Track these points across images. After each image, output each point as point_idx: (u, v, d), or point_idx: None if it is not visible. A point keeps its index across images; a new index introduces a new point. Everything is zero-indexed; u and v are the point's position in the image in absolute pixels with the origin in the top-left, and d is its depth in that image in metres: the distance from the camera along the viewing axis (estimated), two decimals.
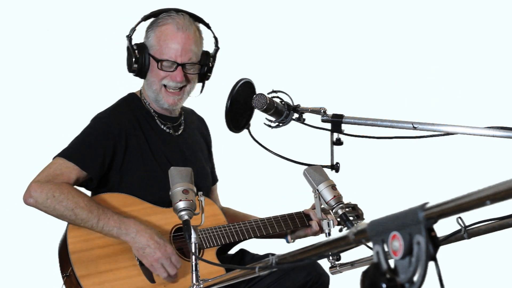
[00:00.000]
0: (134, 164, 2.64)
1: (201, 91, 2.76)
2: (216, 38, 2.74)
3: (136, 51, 2.65)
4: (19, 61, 4.04)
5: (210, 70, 2.75)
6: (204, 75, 2.74)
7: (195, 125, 2.92)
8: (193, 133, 2.88)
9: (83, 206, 2.48)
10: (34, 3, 4.07)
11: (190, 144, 2.83)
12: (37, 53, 4.06)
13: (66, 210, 2.46)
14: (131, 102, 2.75)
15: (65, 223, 2.54)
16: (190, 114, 2.90)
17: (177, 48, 2.63)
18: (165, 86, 2.68)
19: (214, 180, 2.99)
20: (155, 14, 2.68)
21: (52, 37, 4.07)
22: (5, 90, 4.03)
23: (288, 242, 2.85)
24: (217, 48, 2.75)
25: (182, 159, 2.74)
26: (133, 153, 2.64)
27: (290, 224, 2.80)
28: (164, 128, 2.76)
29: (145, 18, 2.68)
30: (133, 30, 2.66)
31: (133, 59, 2.65)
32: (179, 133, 2.80)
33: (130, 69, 2.68)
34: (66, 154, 2.56)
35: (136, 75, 2.70)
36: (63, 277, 2.50)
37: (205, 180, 2.86)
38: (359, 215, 2.85)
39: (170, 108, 2.74)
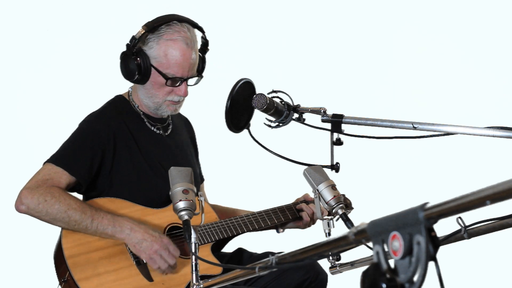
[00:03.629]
0: (124, 166, 2.63)
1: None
2: (207, 41, 2.73)
3: (139, 60, 2.61)
4: (19, 61, 4.04)
5: (202, 71, 2.74)
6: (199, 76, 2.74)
7: (181, 126, 2.93)
8: (181, 133, 2.89)
9: (76, 207, 2.48)
10: (34, 3, 4.07)
11: (179, 144, 2.84)
12: (37, 53, 4.06)
13: (59, 213, 2.46)
14: (119, 104, 2.74)
15: (58, 229, 2.53)
16: (175, 115, 2.89)
17: (185, 65, 2.62)
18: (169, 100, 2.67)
19: (201, 179, 2.99)
20: (158, 24, 2.61)
21: (52, 37, 4.07)
22: (5, 90, 4.03)
23: (278, 232, 2.88)
24: (206, 50, 2.75)
25: (172, 159, 2.74)
26: (123, 155, 2.64)
27: (281, 217, 2.82)
28: (154, 129, 2.76)
29: (148, 28, 2.60)
30: (136, 40, 2.60)
31: (136, 69, 2.61)
32: (168, 133, 2.80)
33: (131, 77, 2.64)
34: (54, 159, 2.56)
35: (135, 82, 2.67)
36: (60, 283, 2.50)
37: (196, 179, 2.86)
38: (347, 205, 2.85)
39: (169, 115, 2.75)
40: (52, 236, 2.59)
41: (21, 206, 2.47)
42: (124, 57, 2.64)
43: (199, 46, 2.71)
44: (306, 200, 2.89)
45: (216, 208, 2.87)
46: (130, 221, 2.53)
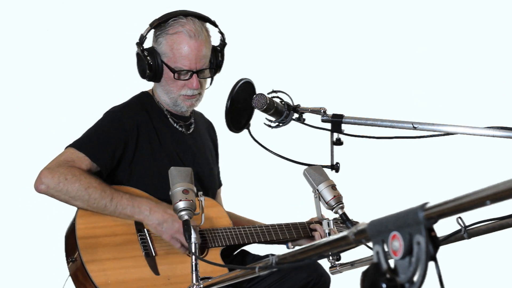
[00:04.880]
0: (144, 159, 2.65)
1: (210, 84, 2.76)
2: (223, 34, 2.75)
3: (149, 58, 2.64)
4: (19, 61, 4.04)
5: (220, 65, 2.76)
6: (214, 70, 2.75)
7: (204, 128, 2.94)
8: (202, 134, 2.90)
9: (96, 185, 2.50)
10: (34, 3, 4.07)
11: (200, 144, 2.85)
12: (37, 53, 4.06)
13: (79, 191, 2.47)
14: (144, 100, 2.77)
15: (73, 211, 2.54)
16: (199, 117, 2.93)
17: (191, 57, 2.64)
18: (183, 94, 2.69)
19: (219, 184, 3.00)
20: (164, 21, 2.65)
21: (52, 37, 4.08)
22: (5, 90, 4.03)
23: (288, 248, 2.86)
24: (224, 44, 2.76)
25: (192, 157, 2.76)
26: (144, 148, 2.66)
27: (294, 233, 2.81)
28: (177, 127, 2.77)
29: (154, 25, 2.65)
30: (143, 38, 2.65)
31: (147, 67, 2.64)
32: (190, 131, 2.81)
33: (144, 75, 2.68)
34: (77, 144, 2.58)
35: (149, 80, 2.70)
36: (68, 262, 2.52)
37: (213, 181, 2.88)
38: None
39: (188, 111, 2.76)
40: (63, 218, 2.60)
41: (40, 185, 2.48)
42: (137, 56, 2.68)
43: (212, 41, 2.73)
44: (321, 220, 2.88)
45: (231, 216, 2.87)
46: (149, 202, 2.55)
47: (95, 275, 2.44)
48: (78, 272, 2.47)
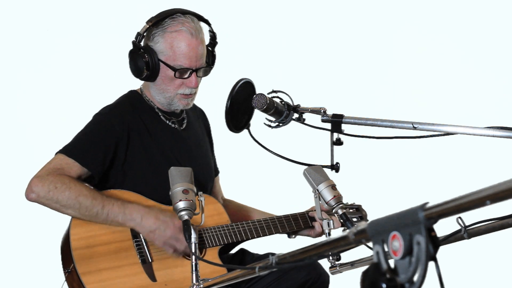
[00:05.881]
0: (137, 159, 2.63)
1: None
2: (214, 34, 2.73)
3: (146, 56, 2.60)
4: (19, 61, 4.04)
5: (212, 64, 2.74)
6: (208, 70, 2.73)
7: (196, 118, 2.92)
8: (196, 127, 2.88)
9: (86, 193, 2.48)
10: (34, 3, 4.07)
11: (194, 139, 2.83)
12: (37, 53, 4.06)
13: (69, 200, 2.46)
14: (133, 99, 2.73)
15: (68, 220, 2.53)
16: (189, 108, 2.89)
17: (192, 55, 2.61)
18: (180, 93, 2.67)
19: (216, 172, 2.99)
20: (161, 19, 2.61)
21: (52, 37, 4.08)
22: (5, 90, 4.03)
23: (289, 237, 2.85)
24: (215, 43, 2.75)
25: (187, 153, 2.75)
26: (136, 148, 2.63)
27: (294, 225, 2.79)
28: (169, 124, 2.75)
29: (152, 22, 2.60)
30: (140, 36, 2.61)
31: (144, 65, 2.61)
32: (183, 127, 2.80)
33: (140, 75, 2.63)
34: (66, 150, 2.55)
35: (145, 79, 2.66)
36: (64, 273, 2.50)
37: (210, 174, 2.86)
38: (362, 216, 2.84)
39: (183, 109, 2.75)
40: (60, 227, 2.59)
41: (31, 194, 2.46)
42: (132, 55, 2.63)
43: (206, 39, 2.71)
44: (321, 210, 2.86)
45: (230, 205, 2.86)
46: (140, 208, 2.52)
47: (91, 287, 2.43)
48: (74, 284, 2.47)
